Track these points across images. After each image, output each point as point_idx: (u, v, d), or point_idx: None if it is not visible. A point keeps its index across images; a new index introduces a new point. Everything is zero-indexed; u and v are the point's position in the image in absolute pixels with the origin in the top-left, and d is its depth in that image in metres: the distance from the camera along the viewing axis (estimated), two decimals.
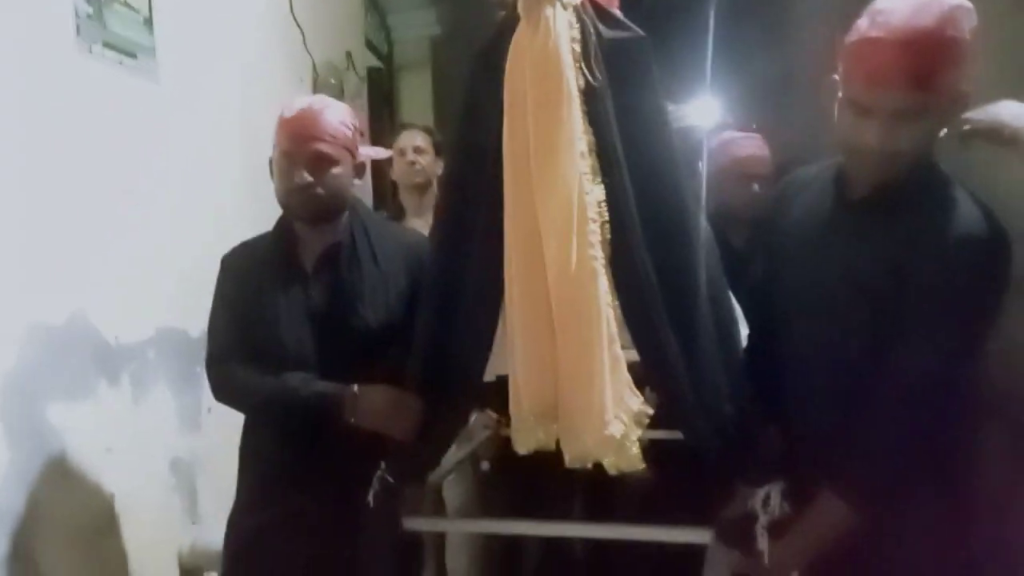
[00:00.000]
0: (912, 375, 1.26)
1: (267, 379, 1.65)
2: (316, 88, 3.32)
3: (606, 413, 1.36)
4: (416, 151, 2.82)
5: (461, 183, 1.54)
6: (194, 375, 2.32)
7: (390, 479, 1.59)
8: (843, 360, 1.36)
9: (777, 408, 1.45)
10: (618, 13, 1.43)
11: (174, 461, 2.24)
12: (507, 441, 1.87)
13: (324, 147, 1.66)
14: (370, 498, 1.58)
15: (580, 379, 1.37)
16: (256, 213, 2.48)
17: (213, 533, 2.31)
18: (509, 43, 1.40)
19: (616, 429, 1.37)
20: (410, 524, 1.65)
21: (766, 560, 1.36)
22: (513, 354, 1.45)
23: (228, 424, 2.44)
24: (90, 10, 1.95)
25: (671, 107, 2.62)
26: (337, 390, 1.60)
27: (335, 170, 1.68)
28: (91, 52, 1.96)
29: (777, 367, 1.47)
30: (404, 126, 3.02)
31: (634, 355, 1.43)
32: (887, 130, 1.27)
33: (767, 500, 1.40)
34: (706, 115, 2.47)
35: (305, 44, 3.19)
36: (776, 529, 1.38)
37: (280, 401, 1.63)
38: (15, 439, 1.68)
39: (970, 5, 1.27)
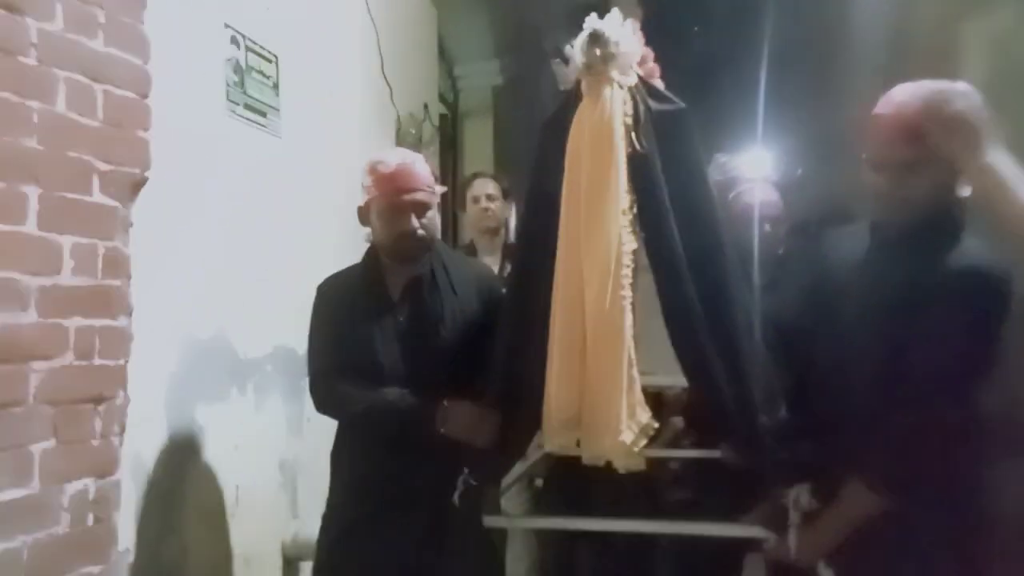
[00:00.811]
0: (924, 383, 1.54)
1: (367, 393, 1.93)
2: (399, 137, 3.71)
3: (621, 423, 1.63)
4: (488, 198, 3.15)
5: (531, 228, 1.86)
6: (299, 388, 2.68)
7: (473, 482, 1.89)
8: (870, 373, 1.64)
9: (806, 418, 1.74)
10: (661, 86, 1.74)
11: (282, 462, 2.60)
12: (558, 459, 2.14)
13: (424, 196, 1.98)
14: (455, 498, 1.87)
15: (602, 395, 1.65)
16: (350, 245, 2.88)
17: (311, 528, 2.65)
18: (573, 112, 1.72)
19: (628, 436, 1.64)
20: (489, 522, 1.95)
21: (798, 546, 1.64)
22: (549, 372, 1.72)
23: (324, 432, 2.81)
24: (236, 79, 2.35)
25: (723, 158, 2.94)
26: (429, 404, 1.88)
27: (430, 213, 2.00)
28: (235, 113, 2.35)
29: (809, 383, 1.76)
30: (476, 175, 3.35)
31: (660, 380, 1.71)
32: (895, 180, 1.61)
33: (798, 499, 1.69)
34: (756, 166, 2.77)
35: (392, 98, 3.59)
36: (807, 522, 1.66)
37: (380, 412, 1.92)
38: (172, 431, 2.05)
39: (965, 87, 1.59)
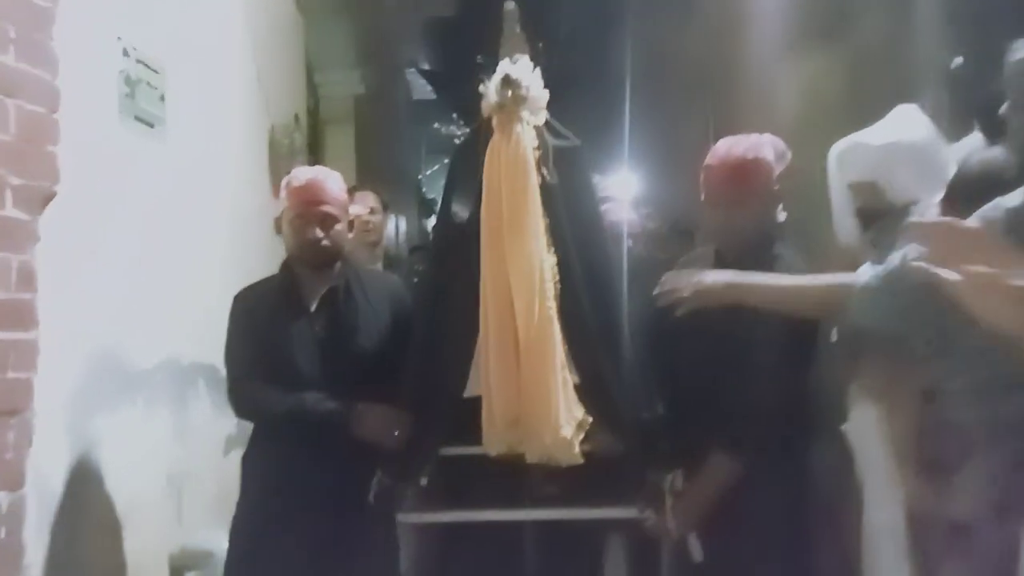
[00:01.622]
0: (763, 371, 1.86)
1: (286, 397, 2.03)
2: (271, 147, 3.74)
3: (560, 420, 1.86)
4: (370, 212, 3.26)
5: (444, 245, 2.04)
6: (185, 398, 2.70)
7: (387, 481, 2.03)
8: (722, 367, 1.93)
9: (676, 412, 2.02)
10: (557, 125, 1.98)
11: (169, 473, 2.60)
12: (442, 459, 2.32)
13: (330, 209, 2.08)
14: (371, 497, 2.01)
15: (540, 396, 1.87)
16: (235, 255, 2.92)
17: (197, 538, 2.67)
18: (481, 142, 1.94)
19: (567, 432, 1.87)
20: (402, 518, 2.10)
21: (674, 520, 1.92)
22: (487, 380, 1.91)
23: (208, 443, 2.83)
24: (128, 90, 2.36)
25: (595, 178, 3.24)
26: (343, 407, 2.00)
27: (338, 227, 2.11)
28: (126, 124, 2.36)
29: (674, 381, 2.04)
30: (355, 189, 3.44)
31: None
32: (726, 215, 1.97)
33: (673, 481, 1.96)
34: (621, 185, 3.08)
35: (267, 109, 3.62)
36: (679, 500, 1.94)
37: (298, 416, 2.01)
38: (72, 443, 2.04)
39: (775, 139, 2.00)
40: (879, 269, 1.55)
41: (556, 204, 1.88)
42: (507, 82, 1.83)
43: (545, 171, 1.88)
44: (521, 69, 1.85)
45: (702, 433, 1.95)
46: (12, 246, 1.70)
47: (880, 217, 1.92)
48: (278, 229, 2.14)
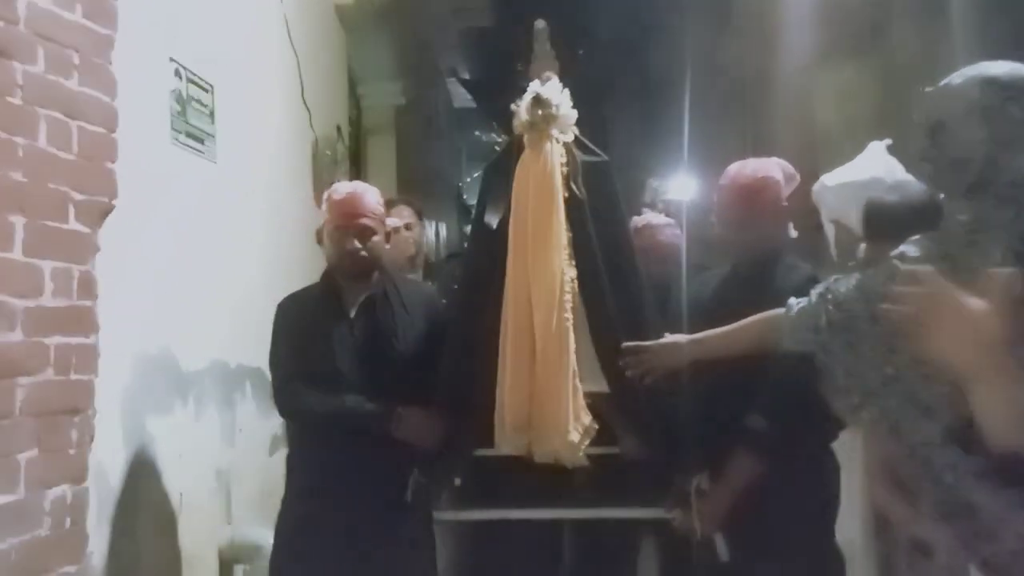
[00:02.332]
0: (783, 374, 1.91)
1: (328, 399, 2.14)
2: (315, 158, 3.88)
3: (569, 425, 1.94)
4: (407, 227, 3.36)
5: (477, 257, 2.14)
6: (232, 399, 2.83)
7: (423, 480, 2.13)
8: (743, 374, 2.00)
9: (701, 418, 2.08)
10: (587, 143, 2.07)
11: (218, 470, 2.73)
12: (476, 459, 2.41)
13: (368, 221, 2.19)
14: (408, 495, 2.11)
15: (552, 403, 1.95)
16: (276, 265, 3.04)
17: (245, 532, 2.80)
18: (513, 157, 2.03)
19: (575, 436, 1.95)
20: (439, 516, 2.20)
21: (702, 519, 1.99)
22: (501, 385, 2.00)
23: (254, 441, 2.96)
24: (179, 108, 2.50)
25: (655, 183, 3.28)
26: (383, 409, 2.11)
27: (375, 238, 2.22)
28: (177, 141, 2.50)
29: (697, 387, 2.11)
30: (391, 202, 3.54)
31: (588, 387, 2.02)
32: (738, 231, 2.09)
33: (699, 484, 2.02)
34: (683, 189, 3.13)
35: (311, 123, 3.76)
36: (705, 500, 2.00)
37: (340, 417, 2.13)
38: (128, 441, 2.18)
39: (783, 161, 2.12)
40: (802, 302, 1.67)
41: (584, 217, 1.96)
42: (537, 102, 1.92)
43: (574, 186, 1.96)
44: (550, 89, 1.93)
45: (726, 436, 2.01)
46: (74, 257, 1.83)
47: (851, 249, 2.03)
48: (319, 240, 2.25)
